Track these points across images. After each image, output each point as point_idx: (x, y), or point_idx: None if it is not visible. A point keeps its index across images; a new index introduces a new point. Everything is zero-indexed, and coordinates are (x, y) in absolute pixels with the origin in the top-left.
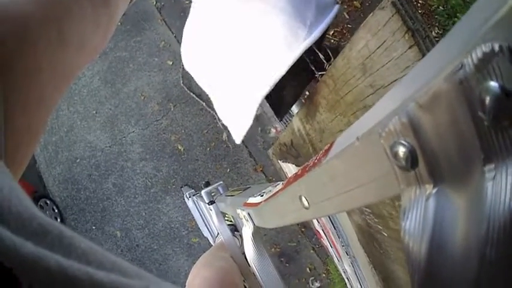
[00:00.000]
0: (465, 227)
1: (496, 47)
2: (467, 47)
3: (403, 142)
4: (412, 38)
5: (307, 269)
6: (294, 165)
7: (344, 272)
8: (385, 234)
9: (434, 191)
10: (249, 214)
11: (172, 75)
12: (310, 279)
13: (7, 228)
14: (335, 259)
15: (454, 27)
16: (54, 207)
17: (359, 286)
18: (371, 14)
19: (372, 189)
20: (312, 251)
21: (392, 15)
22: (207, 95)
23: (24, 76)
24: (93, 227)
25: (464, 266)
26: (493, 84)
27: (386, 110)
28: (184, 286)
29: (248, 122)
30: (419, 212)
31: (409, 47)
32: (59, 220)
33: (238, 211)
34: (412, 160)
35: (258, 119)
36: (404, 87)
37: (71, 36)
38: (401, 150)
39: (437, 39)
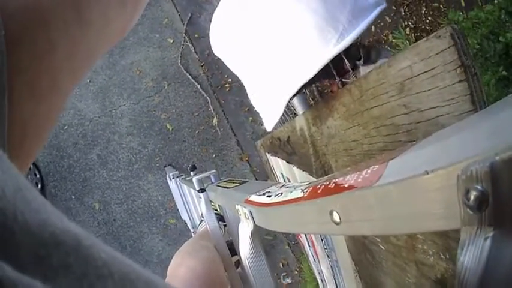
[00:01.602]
0: None
1: None
2: None
3: (479, 188)
4: (464, 74)
5: (280, 264)
6: (283, 161)
7: (319, 273)
8: (383, 248)
9: (492, 233)
10: (250, 212)
11: (171, 53)
12: (282, 274)
13: (13, 248)
14: (310, 258)
15: None
16: (36, 172)
17: None
18: (424, 38)
19: (426, 220)
20: (287, 247)
21: (449, 47)
22: (203, 77)
23: (34, 57)
24: (73, 197)
25: None
26: None
27: (465, 152)
28: (157, 267)
29: (278, 113)
30: (476, 251)
31: (459, 81)
32: (39, 186)
33: (238, 207)
34: (481, 204)
35: (250, 108)
36: (483, 138)
37: (91, 15)
38: (475, 194)
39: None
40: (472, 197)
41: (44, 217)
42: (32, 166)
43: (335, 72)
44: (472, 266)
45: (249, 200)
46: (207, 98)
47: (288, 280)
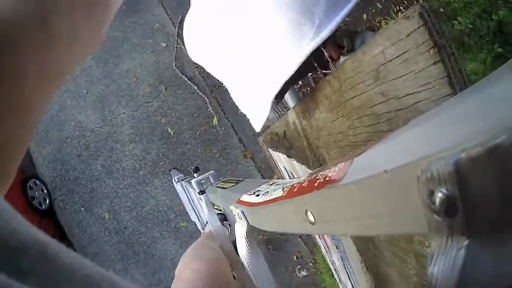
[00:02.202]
0: (493, 280)
1: None
2: None
3: (444, 191)
4: (438, 54)
5: (294, 257)
6: (284, 156)
7: (332, 264)
8: (382, 238)
9: (466, 242)
10: (242, 212)
11: (165, 57)
12: (297, 267)
13: None
14: (323, 249)
15: None
16: (43, 188)
17: (348, 280)
18: (393, 21)
19: (393, 222)
20: (299, 239)
21: (419, 27)
22: (199, 78)
23: (4, 78)
24: (82, 208)
25: None
26: None
27: (425, 148)
28: (171, 272)
29: (265, 113)
30: (448, 261)
31: (434, 63)
32: (47, 201)
33: (232, 207)
34: (449, 209)
35: None
36: (447, 127)
37: (59, 30)
38: (440, 197)
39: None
40: (438, 201)
41: (14, 226)
42: (38, 182)
43: (316, 64)
44: (444, 277)
45: (241, 201)
46: (205, 98)
47: (304, 272)
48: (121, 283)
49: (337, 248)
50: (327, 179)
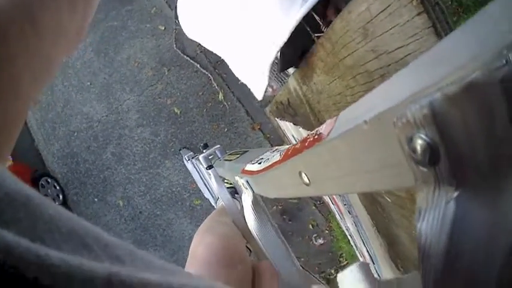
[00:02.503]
0: (488, 235)
1: None
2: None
3: (423, 136)
4: (421, 5)
5: (310, 226)
6: (291, 124)
7: (347, 230)
8: (389, 200)
9: (455, 194)
10: (247, 182)
11: (165, 39)
12: (313, 236)
13: None
14: (337, 216)
15: (493, 3)
16: (56, 185)
17: (362, 245)
18: None
19: (381, 177)
20: (313, 207)
21: None
22: (201, 56)
23: None
24: (96, 199)
25: (485, 273)
26: None
27: (402, 93)
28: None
29: (264, 82)
30: (437, 215)
31: (417, 14)
32: (61, 197)
33: (237, 178)
34: (432, 156)
35: None
36: (425, 69)
37: (45, 21)
38: (420, 144)
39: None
40: (418, 148)
41: None
42: (49, 180)
43: (309, 28)
44: (434, 233)
45: (244, 170)
46: (209, 75)
47: (320, 241)
48: (107, 238)
49: (349, 213)
50: (315, 137)
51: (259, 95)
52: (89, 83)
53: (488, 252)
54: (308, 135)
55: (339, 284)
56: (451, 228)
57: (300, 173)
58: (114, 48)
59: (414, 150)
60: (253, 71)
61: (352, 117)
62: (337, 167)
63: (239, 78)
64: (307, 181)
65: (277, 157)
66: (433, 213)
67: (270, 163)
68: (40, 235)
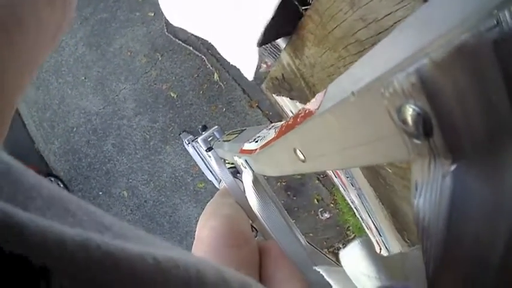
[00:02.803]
0: (491, 213)
1: None
2: None
3: (413, 106)
4: None
5: (315, 201)
6: (288, 99)
7: (352, 202)
8: (390, 171)
9: (452, 168)
10: (246, 161)
11: (156, 25)
12: (319, 210)
13: None
14: (341, 189)
15: None
16: (59, 183)
17: (368, 217)
18: None
19: (374, 150)
20: (317, 181)
21: None
22: (193, 39)
23: None
24: (100, 193)
25: (488, 254)
26: None
27: (389, 61)
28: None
29: (253, 61)
30: (434, 190)
31: None
32: None
33: (236, 158)
34: (424, 127)
35: None
36: (411, 34)
37: (27, 22)
38: (410, 114)
39: None
40: (409, 119)
41: None
42: (53, 179)
43: (297, 2)
44: (432, 209)
45: (243, 149)
46: (202, 56)
47: (326, 215)
48: (90, 207)
49: (353, 186)
50: (306, 112)
51: (249, 75)
52: (83, 78)
53: (492, 231)
54: (299, 110)
55: (342, 262)
56: (449, 205)
57: (294, 150)
58: (105, 40)
59: (405, 122)
60: (242, 50)
61: (340, 90)
62: (330, 142)
63: (228, 59)
64: (303, 158)
65: (272, 134)
66: (430, 189)
67: (266, 141)
68: (22, 201)
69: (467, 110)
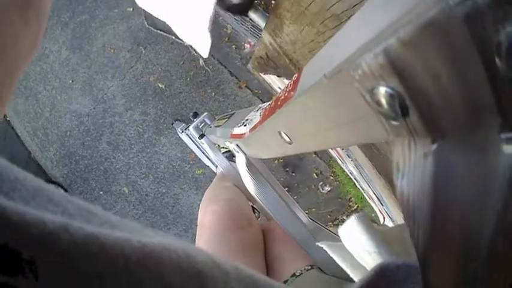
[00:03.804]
0: (477, 193)
1: None
2: None
3: (385, 87)
4: None
5: (314, 175)
6: (275, 76)
7: (351, 174)
8: (383, 141)
9: (433, 147)
10: (237, 146)
11: (135, 20)
12: (320, 184)
13: None
14: (338, 161)
15: None
16: (59, 189)
17: (368, 187)
18: None
19: (354, 130)
20: (314, 155)
21: None
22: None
23: None
24: (101, 192)
25: (477, 234)
26: None
27: (357, 40)
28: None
29: (207, 40)
30: (417, 171)
31: None
32: None
33: (227, 143)
34: (400, 108)
35: (229, 37)
36: (378, 10)
37: (4, 40)
38: (384, 96)
39: None
40: (383, 101)
41: None
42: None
43: None
44: (416, 190)
45: (233, 134)
46: (185, 44)
47: (327, 188)
48: (72, 198)
49: (349, 157)
50: (286, 94)
51: (204, 53)
52: (70, 81)
53: (479, 210)
54: (279, 93)
55: (341, 238)
56: (433, 186)
57: (279, 133)
58: (87, 41)
59: (379, 103)
60: (196, 30)
61: (313, 71)
62: (311, 124)
63: (183, 40)
64: (289, 140)
65: (258, 118)
66: (413, 170)
67: (253, 124)
68: (6, 192)
69: (442, 88)
